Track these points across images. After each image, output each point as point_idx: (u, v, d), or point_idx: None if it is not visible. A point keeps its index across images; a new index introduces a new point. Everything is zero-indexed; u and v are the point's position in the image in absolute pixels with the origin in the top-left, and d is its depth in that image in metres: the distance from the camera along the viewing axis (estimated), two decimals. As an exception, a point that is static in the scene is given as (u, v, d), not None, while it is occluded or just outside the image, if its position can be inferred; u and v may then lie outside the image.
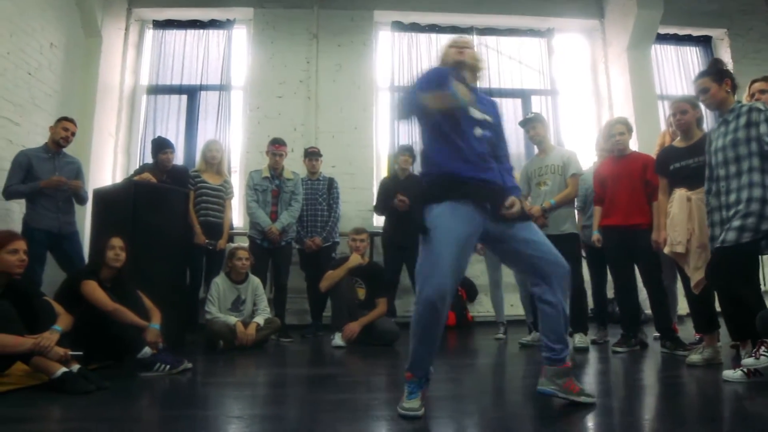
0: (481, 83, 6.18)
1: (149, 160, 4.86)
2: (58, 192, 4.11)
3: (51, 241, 4.12)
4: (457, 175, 2.17)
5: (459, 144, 2.20)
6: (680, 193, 3.25)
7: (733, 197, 2.83)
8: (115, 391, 2.59)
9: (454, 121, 2.20)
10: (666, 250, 3.28)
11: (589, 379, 3.03)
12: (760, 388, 2.49)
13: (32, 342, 2.55)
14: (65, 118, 4.30)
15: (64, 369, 2.55)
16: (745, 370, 2.61)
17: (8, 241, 2.78)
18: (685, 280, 3.30)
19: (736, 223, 2.73)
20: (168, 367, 3.01)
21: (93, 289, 3.07)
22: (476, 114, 2.28)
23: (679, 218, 3.20)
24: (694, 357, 3.11)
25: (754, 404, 2.33)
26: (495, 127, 2.36)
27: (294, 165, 5.23)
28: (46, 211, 4.10)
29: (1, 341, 2.52)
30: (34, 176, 4.07)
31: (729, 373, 2.66)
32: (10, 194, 4.07)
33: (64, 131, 4.20)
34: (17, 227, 4.12)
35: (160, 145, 4.62)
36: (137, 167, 5.21)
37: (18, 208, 4.48)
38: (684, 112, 3.32)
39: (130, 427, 2.10)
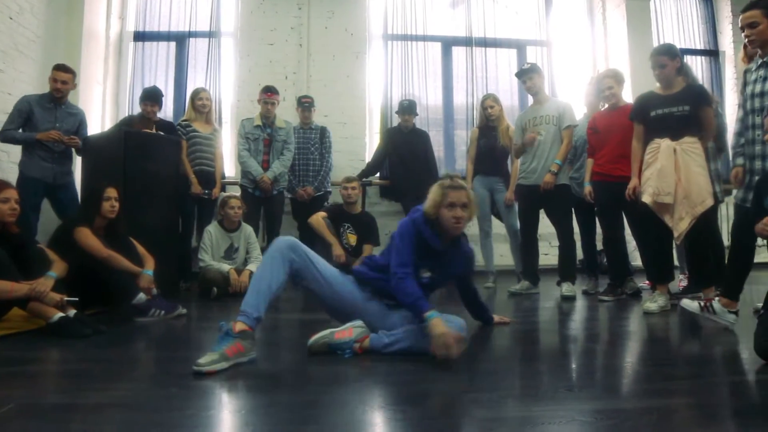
0: (477, 33, 6.14)
1: (138, 109, 4.77)
2: (55, 144, 4.04)
3: (46, 190, 4.10)
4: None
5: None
6: (667, 143, 3.23)
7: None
8: (111, 335, 2.64)
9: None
10: (647, 200, 3.25)
11: (575, 326, 3.13)
12: (740, 332, 2.59)
13: (28, 287, 2.57)
14: (56, 67, 4.12)
15: (60, 314, 2.59)
16: (702, 303, 2.76)
17: None
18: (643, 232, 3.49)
19: None
20: (163, 312, 3.07)
21: (86, 236, 3.08)
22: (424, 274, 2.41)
23: (668, 169, 3.19)
24: (651, 305, 3.23)
25: (737, 347, 2.43)
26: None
27: (286, 114, 5.17)
28: (42, 162, 4.04)
29: (-3, 287, 2.55)
30: (34, 125, 4.01)
31: (687, 302, 2.84)
32: (5, 138, 4.01)
33: (53, 82, 4.06)
34: (6, 175, 4.10)
35: (143, 96, 4.49)
36: (124, 117, 5.12)
37: (5, 157, 4.44)
38: (663, 66, 3.28)
39: (128, 367, 2.15)
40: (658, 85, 3.42)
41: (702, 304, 2.74)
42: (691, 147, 3.16)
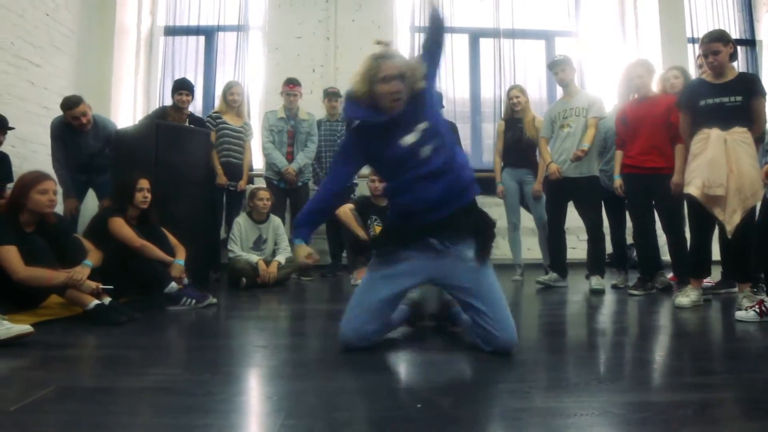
0: (504, 24, 6.05)
1: (169, 102, 4.85)
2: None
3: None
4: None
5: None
6: (717, 133, 3.07)
7: None
8: (145, 322, 2.71)
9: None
10: (695, 192, 3.08)
11: (604, 319, 3.09)
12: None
13: (65, 276, 2.65)
14: (67, 107, 3.95)
15: (96, 301, 2.66)
16: (757, 309, 2.67)
17: (37, 181, 2.82)
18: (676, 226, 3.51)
19: None
20: (194, 301, 3.13)
21: (120, 226, 3.16)
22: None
23: (719, 159, 3.04)
24: (683, 300, 3.15)
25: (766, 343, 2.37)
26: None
27: (314, 106, 5.19)
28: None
29: (36, 275, 2.62)
30: (69, 149, 4.09)
31: (741, 314, 2.71)
32: (55, 169, 4.05)
33: (73, 119, 3.98)
34: (44, 167, 4.20)
35: (175, 86, 4.59)
36: (156, 108, 5.22)
37: (43, 150, 4.57)
38: (717, 53, 3.10)
39: (162, 354, 2.21)
40: (708, 72, 3.26)
41: (757, 310, 2.67)
42: (741, 137, 3.02)
